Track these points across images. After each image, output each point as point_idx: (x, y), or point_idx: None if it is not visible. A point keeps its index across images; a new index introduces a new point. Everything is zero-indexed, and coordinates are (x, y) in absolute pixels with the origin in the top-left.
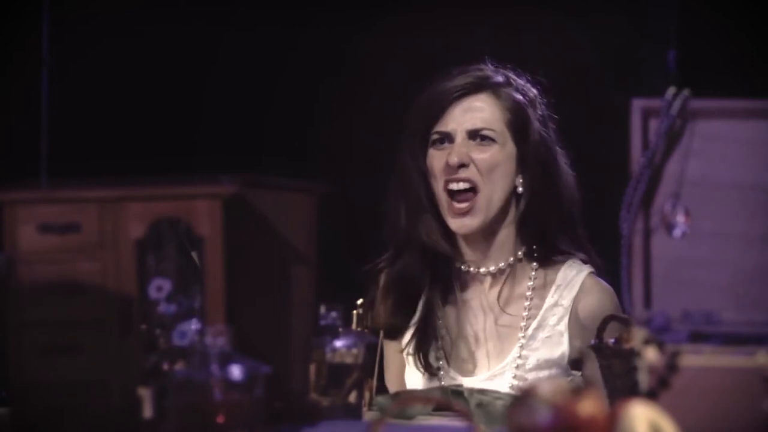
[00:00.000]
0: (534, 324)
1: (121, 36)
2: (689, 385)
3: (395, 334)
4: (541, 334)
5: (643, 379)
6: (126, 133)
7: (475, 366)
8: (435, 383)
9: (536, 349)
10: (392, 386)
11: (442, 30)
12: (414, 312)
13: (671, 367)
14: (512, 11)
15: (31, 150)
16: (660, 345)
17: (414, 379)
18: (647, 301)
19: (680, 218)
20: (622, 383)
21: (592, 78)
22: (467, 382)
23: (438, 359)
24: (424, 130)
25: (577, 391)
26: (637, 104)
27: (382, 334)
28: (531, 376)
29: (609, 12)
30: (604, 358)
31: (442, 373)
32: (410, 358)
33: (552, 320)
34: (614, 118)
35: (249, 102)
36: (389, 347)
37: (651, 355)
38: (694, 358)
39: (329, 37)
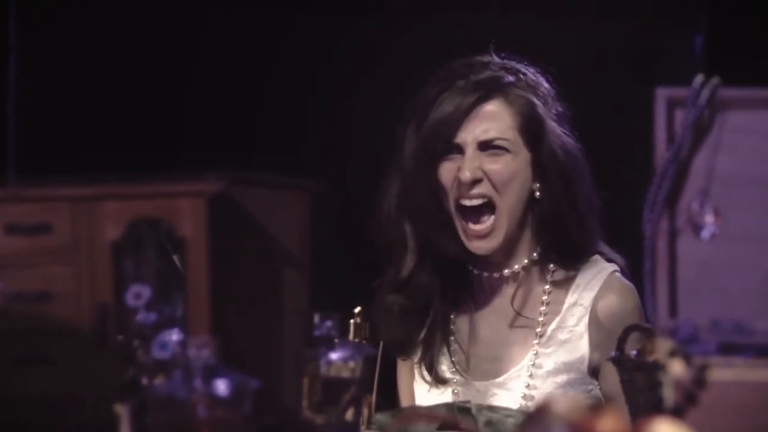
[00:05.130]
0: (552, 325)
1: (97, 21)
2: (719, 401)
3: (403, 350)
4: (560, 336)
5: (669, 395)
6: (102, 127)
7: (488, 371)
8: (446, 392)
9: (554, 352)
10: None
11: (447, 16)
12: (423, 324)
13: (699, 381)
14: None
15: None
16: (687, 357)
17: (422, 391)
18: (673, 309)
19: (709, 218)
20: (645, 399)
21: (612, 65)
22: (479, 386)
23: (449, 368)
24: (434, 145)
25: (595, 408)
26: (662, 93)
27: (382, 345)
28: (548, 382)
29: None
30: (626, 372)
31: (453, 381)
32: (418, 370)
33: (571, 321)
34: (636, 108)
35: (238, 93)
36: (403, 366)
37: (677, 368)
38: (724, 372)
39: (324, 24)
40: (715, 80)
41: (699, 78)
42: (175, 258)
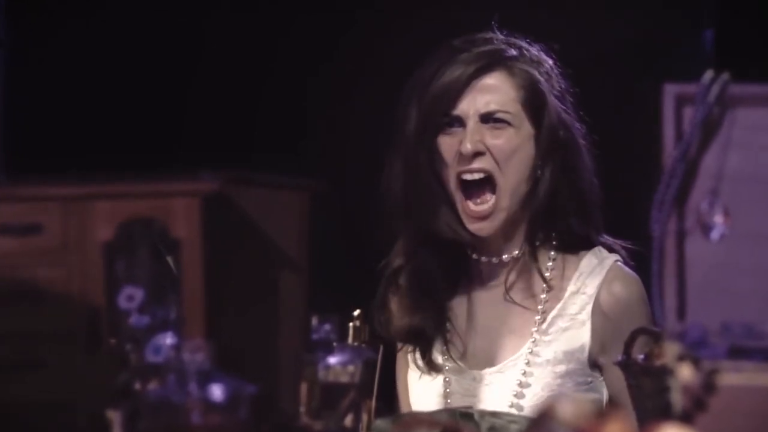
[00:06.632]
0: (553, 313)
1: (91, 17)
2: (728, 406)
3: (415, 337)
4: (560, 324)
5: (677, 400)
6: (95, 125)
7: (484, 359)
8: (438, 380)
9: (553, 341)
10: (405, 406)
11: (447, 16)
12: (436, 310)
13: (708, 386)
14: None
15: None
16: (695, 361)
17: (414, 378)
18: (681, 312)
19: (718, 218)
20: (653, 404)
21: (620, 61)
22: (475, 374)
23: (443, 355)
24: (436, 117)
25: (601, 413)
26: (670, 90)
27: (382, 349)
28: (546, 371)
29: None
30: (633, 377)
31: (446, 368)
32: (411, 356)
33: (573, 309)
34: (644, 105)
35: (238, 93)
36: (402, 360)
37: (685, 372)
38: (734, 377)
39: (324, 24)
40: (725, 76)
41: (708, 74)
42: (169, 259)
